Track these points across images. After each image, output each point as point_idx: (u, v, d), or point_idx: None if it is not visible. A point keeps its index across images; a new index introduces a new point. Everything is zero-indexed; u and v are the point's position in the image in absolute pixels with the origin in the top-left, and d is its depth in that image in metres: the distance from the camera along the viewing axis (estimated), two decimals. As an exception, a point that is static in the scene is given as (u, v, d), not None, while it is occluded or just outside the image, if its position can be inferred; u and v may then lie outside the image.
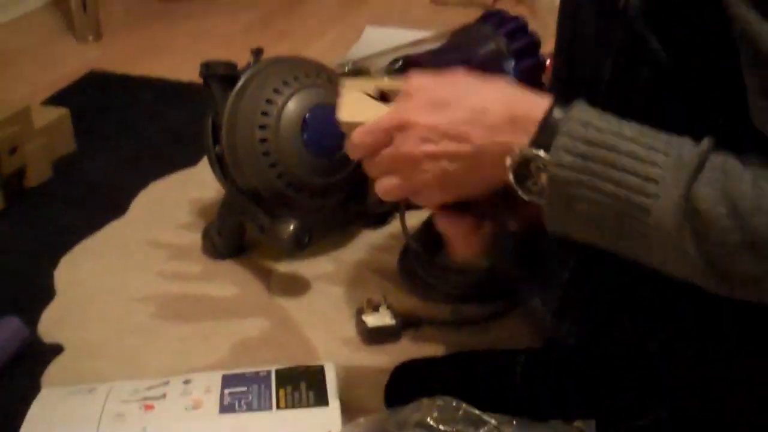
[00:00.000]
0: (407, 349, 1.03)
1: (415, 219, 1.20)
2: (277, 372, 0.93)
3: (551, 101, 0.65)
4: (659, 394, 0.83)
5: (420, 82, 0.70)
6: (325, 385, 0.91)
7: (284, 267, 1.19)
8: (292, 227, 1.08)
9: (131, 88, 1.76)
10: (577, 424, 0.79)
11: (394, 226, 1.26)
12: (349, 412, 0.89)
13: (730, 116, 0.61)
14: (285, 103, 1.12)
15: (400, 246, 1.19)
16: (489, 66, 1.31)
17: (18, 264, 1.22)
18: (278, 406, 0.88)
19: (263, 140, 1.11)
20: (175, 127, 1.58)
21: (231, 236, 1.21)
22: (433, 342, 1.04)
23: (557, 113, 0.63)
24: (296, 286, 1.16)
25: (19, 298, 1.14)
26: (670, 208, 0.59)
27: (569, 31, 0.76)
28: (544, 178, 0.63)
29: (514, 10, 1.61)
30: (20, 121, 1.37)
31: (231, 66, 1.16)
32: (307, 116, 1.12)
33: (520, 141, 0.64)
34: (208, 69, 1.16)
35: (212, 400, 0.89)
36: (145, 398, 0.90)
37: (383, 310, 1.06)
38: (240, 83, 1.14)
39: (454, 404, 0.82)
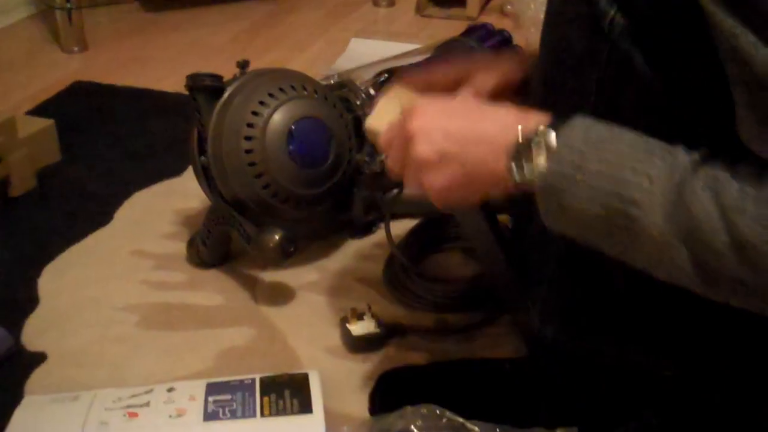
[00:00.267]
0: (392, 358, 1.03)
1: (400, 228, 1.22)
2: (262, 380, 0.93)
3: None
4: (643, 401, 0.84)
5: (428, 100, 0.76)
6: (310, 392, 0.91)
7: (269, 276, 1.20)
8: (277, 237, 1.08)
9: (116, 99, 1.76)
10: (560, 431, 0.80)
11: (379, 235, 1.27)
12: (333, 419, 0.89)
13: (716, 131, 0.62)
14: (271, 114, 1.12)
15: (385, 255, 1.19)
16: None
17: (1, 272, 1.21)
18: (262, 414, 0.88)
19: (249, 151, 1.11)
20: (160, 138, 1.58)
21: (216, 245, 1.21)
22: (417, 350, 1.04)
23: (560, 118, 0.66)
24: (281, 295, 1.16)
25: (3, 307, 1.13)
26: (662, 206, 0.60)
27: (554, 47, 0.76)
28: (542, 159, 0.64)
29: (499, 24, 1.63)
30: (5, 131, 1.37)
31: (217, 78, 1.17)
32: (293, 128, 1.13)
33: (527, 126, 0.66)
34: (193, 81, 1.16)
35: (196, 408, 0.89)
36: (129, 406, 0.90)
37: (368, 319, 1.06)
38: (226, 95, 1.15)
39: (437, 412, 0.82)
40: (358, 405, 0.95)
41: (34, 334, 1.09)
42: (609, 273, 0.73)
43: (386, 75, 1.34)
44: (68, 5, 1.95)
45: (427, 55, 1.55)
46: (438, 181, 0.72)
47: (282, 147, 1.12)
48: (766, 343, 0.73)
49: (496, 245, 0.89)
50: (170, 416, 0.89)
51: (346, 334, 1.05)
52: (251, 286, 1.18)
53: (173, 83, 1.75)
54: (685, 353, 0.78)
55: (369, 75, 1.37)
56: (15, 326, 1.08)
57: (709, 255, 0.59)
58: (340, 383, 0.98)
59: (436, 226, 1.24)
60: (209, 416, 0.88)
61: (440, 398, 0.84)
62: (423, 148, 0.71)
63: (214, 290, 1.17)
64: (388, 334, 1.06)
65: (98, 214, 1.35)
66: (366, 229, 1.28)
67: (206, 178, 1.17)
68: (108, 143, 1.58)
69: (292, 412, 0.89)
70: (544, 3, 0.78)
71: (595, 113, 0.67)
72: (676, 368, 0.81)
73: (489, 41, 1.51)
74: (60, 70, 1.90)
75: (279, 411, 0.89)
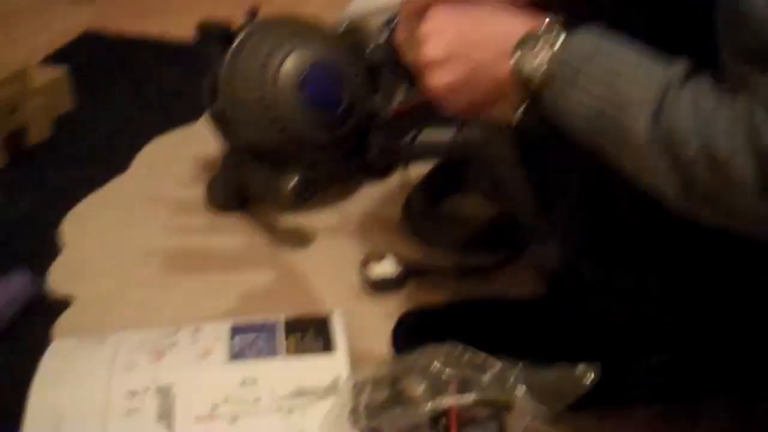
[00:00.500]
0: (411, 298, 1.05)
1: (417, 171, 1.22)
2: (286, 320, 0.94)
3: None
4: (662, 337, 0.84)
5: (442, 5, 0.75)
6: (333, 332, 0.92)
7: (289, 220, 1.20)
8: (293, 182, 1.09)
9: (128, 47, 1.76)
10: (581, 366, 0.80)
11: (397, 178, 1.27)
12: (356, 359, 0.90)
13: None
14: (283, 60, 1.12)
15: (403, 197, 1.20)
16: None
17: (24, 220, 1.23)
18: (287, 353, 0.89)
19: (262, 97, 1.11)
20: (174, 85, 1.58)
21: (234, 190, 1.21)
22: (436, 291, 1.05)
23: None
24: (301, 238, 1.17)
25: (28, 254, 1.15)
26: (648, 111, 0.61)
27: None
28: (548, 51, 0.66)
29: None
30: (19, 81, 1.37)
31: (227, 26, 1.16)
32: (306, 73, 1.12)
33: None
34: (204, 29, 1.16)
35: (222, 348, 0.90)
36: (156, 347, 0.91)
37: (387, 261, 1.07)
38: (236, 43, 1.14)
39: (459, 349, 0.83)
40: (381, 344, 0.96)
41: (59, 279, 1.10)
42: (623, 204, 0.73)
43: (398, 20, 1.33)
44: (78, -47, 1.93)
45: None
46: (443, 80, 0.73)
47: (294, 92, 1.12)
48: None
49: (522, 175, 0.89)
50: (196, 356, 0.90)
51: (367, 276, 1.06)
52: (270, 230, 1.19)
53: (185, 30, 1.73)
54: (704, 281, 0.79)
55: (382, 19, 1.36)
56: (40, 272, 1.10)
57: (683, 161, 0.60)
58: (362, 324, 0.99)
59: (454, 168, 1.24)
60: (235, 355, 0.89)
61: (460, 337, 0.85)
62: (431, 48, 0.73)
63: (234, 234, 1.18)
64: (407, 275, 1.07)
65: (116, 162, 1.35)
66: (384, 173, 1.29)
67: (221, 124, 1.18)
68: (122, 91, 1.58)
69: (317, 351, 0.90)
70: None
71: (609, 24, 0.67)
72: (692, 305, 0.81)
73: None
74: (70, 20, 1.88)
75: (303, 350, 0.90)
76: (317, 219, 1.20)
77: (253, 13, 1.19)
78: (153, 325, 0.99)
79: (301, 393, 0.86)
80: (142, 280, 1.10)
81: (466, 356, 0.83)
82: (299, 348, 0.90)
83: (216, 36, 1.16)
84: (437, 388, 0.82)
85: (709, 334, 0.83)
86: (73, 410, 0.85)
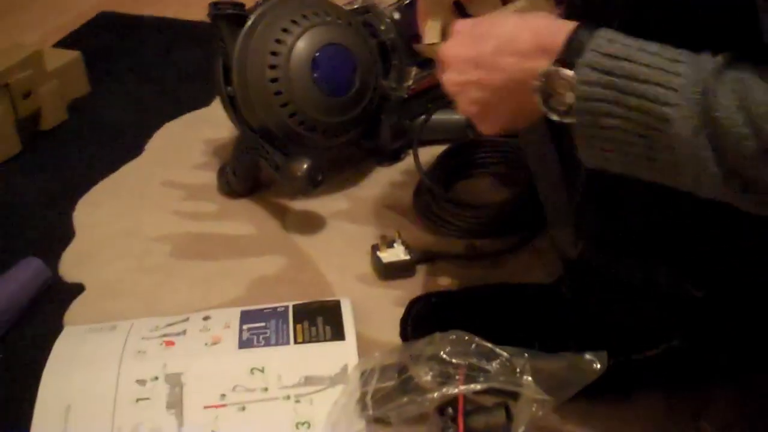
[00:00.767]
0: (422, 284, 1.04)
1: (428, 155, 1.21)
2: (295, 307, 0.95)
3: (577, 24, 0.65)
4: (672, 325, 0.84)
5: (463, 23, 0.75)
6: (342, 319, 0.92)
7: (299, 205, 1.20)
8: (305, 166, 1.08)
9: (142, 29, 1.76)
10: (589, 355, 0.80)
11: (407, 162, 1.26)
12: (365, 345, 0.91)
13: (745, 38, 0.60)
14: (295, 42, 1.11)
15: (414, 182, 1.19)
16: None
17: (37, 205, 1.23)
18: (296, 341, 0.90)
19: (274, 80, 1.11)
20: (187, 68, 1.58)
21: (246, 175, 1.21)
22: (447, 276, 1.05)
23: (582, 34, 0.64)
24: (311, 224, 1.17)
25: (40, 239, 1.16)
26: (689, 116, 0.59)
27: None
28: (570, 97, 0.64)
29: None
30: (33, 64, 1.37)
31: (239, 5, 1.16)
32: (317, 55, 1.12)
33: (548, 65, 0.65)
34: (216, 9, 1.15)
35: (231, 336, 0.91)
36: (166, 335, 0.92)
37: (398, 246, 1.07)
38: (249, 23, 1.14)
39: (466, 338, 0.83)
40: (390, 331, 0.96)
41: (71, 265, 1.11)
42: (635, 192, 0.72)
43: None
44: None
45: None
46: (472, 109, 0.74)
47: (307, 75, 1.12)
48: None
49: (557, 162, 0.88)
50: (206, 344, 0.91)
51: (377, 262, 1.06)
52: (281, 215, 1.19)
53: (198, 11, 1.73)
54: (712, 273, 0.78)
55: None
56: (52, 258, 1.11)
57: (739, 161, 0.58)
58: (371, 310, 0.99)
59: (465, 152, 1.23)
60: (244, 343, 0.90)
61: (470, 323, 0.85)
62: (450, 77, 0.74)
63: (245, 219, 1.18)
64: (418, 260, 1.06)
65: (129, 146, 1.36)
66: (394, 156, 1.28)
67: (233, 107, 1.17)
68: (136, 74, 1.58)
69: (325, 339, 0.90)
70: None
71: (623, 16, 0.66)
72: (703, 288, 0.81)
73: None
74: (84, 2, 1.88)
75: (312, 338, 0.90)
76: (328, 204, 1.20)
77: (265, -6, 1.18)
78: (164, 311, 1.00)
79: (309, 381, 0.86)
80: (153, 267, 1.10)
81: (474, 345, 0.83)
82: (308, 336, 0.91)
83: (228, 16, 1.15)
84: (445, 376, 0.82)
85: (719, 320, 0.82)
86: (82, 397, 0.86)
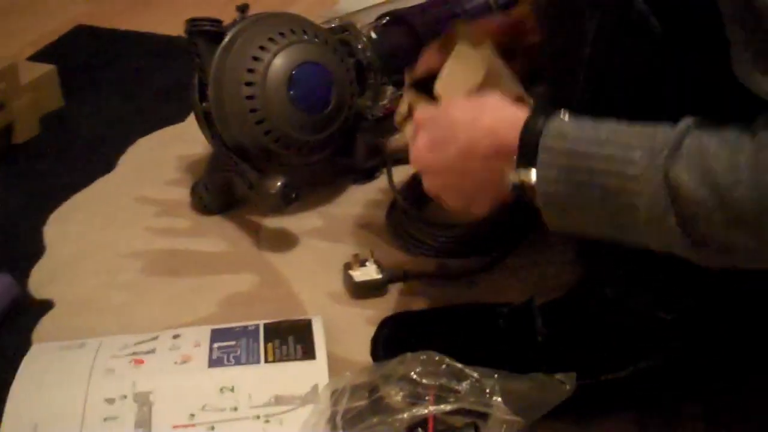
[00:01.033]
0: (393, 303, 1.04)
1: (402, 174, 1.21)
2: (266, 326, 0.94)
3: (528, 115, 0.69)
4: (640, 347, 0.84)
5: (422, 111, 0.83)
6: (313, 338, 0.92)
7: (272, 222, 1.20)
8: (279, 183, 1.08)
9: (118, 43, 1.75)
10: (558, 377, 0.80)
11: (381, 181, 1.27)
12: (336, 365, 0.91)
13: (715, 76, 0.62)
14: (271, 59, 1.12)
15: (387, 201, 1.19)
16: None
17: (7, 220, 1.22)
18: (266, 360, 0.89)
19: (250, 97, 1.11)
20: (163, 83, 1.58)
21: (219, 192, 1.21)
22: (419, 296, 1.05)
23: (535, 125, 0.68)
24: (284, 241, 1.17)
25: (9, 255, 1.15)
26: (655, 202, 0.61)
27: None
28: (538, 199, 0.68)
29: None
30: (7, 77, 1.36)
31: (217, 22, 1.16)
32: (293, 73, 1.12)
33: (510, 166, 0.70)
34: (193, 25, 1.15)
35: (201, 355, 0.91)
36: (135, 353, 0.91)
37: (370, 265, 1.07)
38: (226, 40, 1.14)
39: (437, 358, 0.83)
40: (361, 350, 0.96)
41: (40, 282, 1.10)
42: None
43: (387, 18, 1.33)
44: (68, -53, 1.92)
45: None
46: (453, 203, 0.81)
47: (283, 92, 1.12)
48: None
49: None
50: (175, 363, 0.90)
51: (349, 280, 1.06)
52: (254, 232, 1.19)
53: (175, 27, 1.73)
54: (682, 297, 0.79)
55: (370, 18, 1.35)
56: (22, 274, 1.10)
57: (710, 232, 0.60)
58: (342, 329, 0.99)
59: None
60: (214, 363, 0.89)
61: (441, 343, 0.85)
62: (428, 184, 0.81)
63: (218, 237, 1.18)
64: (390, 279, 1.06)
65: (102, 161, 1.35)
66: (368, 175, 1.28)
67: (208, 124, 1.17)
68: (111, 89, 1.57)
69: (296, 358, 0.90)
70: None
71: (592, 56, 0.69)
72: (672, 312, 0.81)
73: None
74: (61, 14, 1.88)
75: (283, 357, 0.90)
76: (301, 222, 1.20)
77: (242, 11, 1.18)
78: (135, 328, 0.99)
79: (279, 401, 0.86)
80: (124, 283, 1.09)
81: (444, 365, 0.83)
82: (279, 355, 0.90)
83: (205, 32, 1.15)
84: (415, 396, 0.82)
85: (689, 341, 0.83)
86: (50, 416, 0.85)
